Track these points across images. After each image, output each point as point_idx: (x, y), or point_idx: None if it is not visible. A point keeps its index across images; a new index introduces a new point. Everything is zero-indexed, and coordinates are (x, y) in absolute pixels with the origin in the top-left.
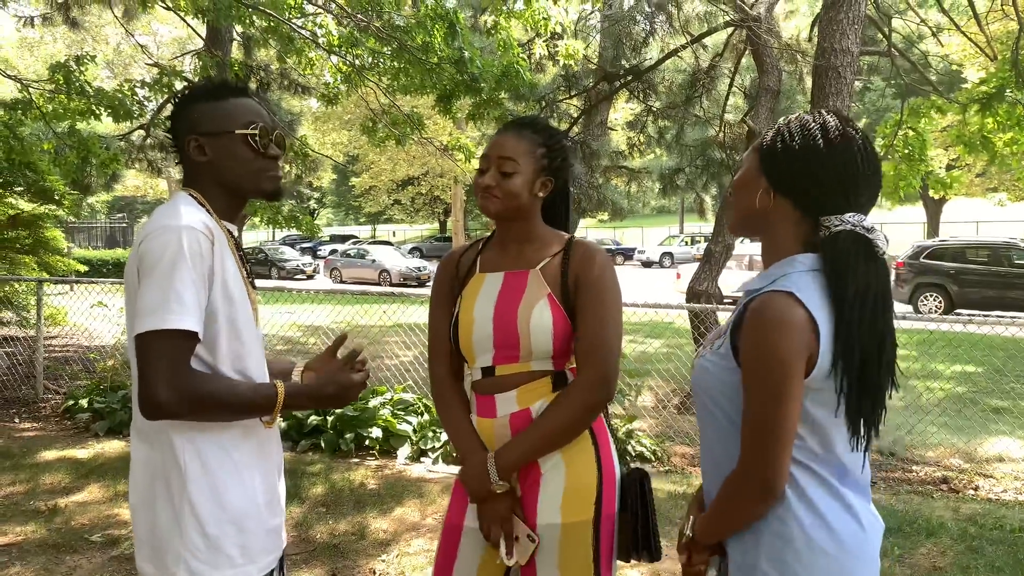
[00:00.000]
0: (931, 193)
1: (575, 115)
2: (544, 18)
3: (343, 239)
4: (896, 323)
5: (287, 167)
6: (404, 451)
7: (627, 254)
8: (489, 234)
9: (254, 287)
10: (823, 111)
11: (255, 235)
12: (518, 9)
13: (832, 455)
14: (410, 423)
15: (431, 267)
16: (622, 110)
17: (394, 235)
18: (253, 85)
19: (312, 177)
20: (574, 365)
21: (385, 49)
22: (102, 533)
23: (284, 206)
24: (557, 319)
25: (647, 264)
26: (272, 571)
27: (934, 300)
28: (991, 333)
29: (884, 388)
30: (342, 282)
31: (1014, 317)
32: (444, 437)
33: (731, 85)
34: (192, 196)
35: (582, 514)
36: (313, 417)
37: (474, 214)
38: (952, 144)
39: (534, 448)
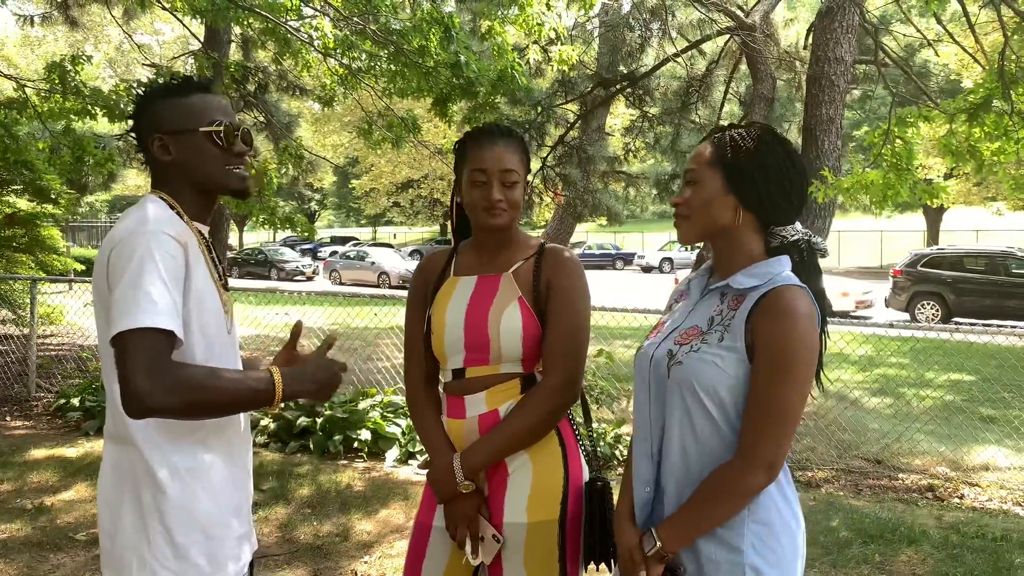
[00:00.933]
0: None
1: (572, 120)
2: (538, 23)
3: (343, 241)
4: (888, 331)
5: (284, 168)
6: (392, 453)
7: (627, 259)
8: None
9: (226, 288)
10: (757, 124)
11: (255, 236)
12: (513, 14)
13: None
14: (399, 425)
15: None
16: (620, 116)
17: (394, 237)
18: (252, 87)
19: (312, 179)
20: (541, 368)
21: (381, 52)
22: (87, 532)
23: (285, 207)
24: (527, 322)
25: (647, 269)
26: None
27: (931, 309)
28: (988, 342)
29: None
30: (341, 284)
31: (1013, 326)
32: None
33: (726, 92)
34: (162, 199)
35: (548, 514)
36: (302, 419)
37: None
38: (940, 154)
39: (499, 448)
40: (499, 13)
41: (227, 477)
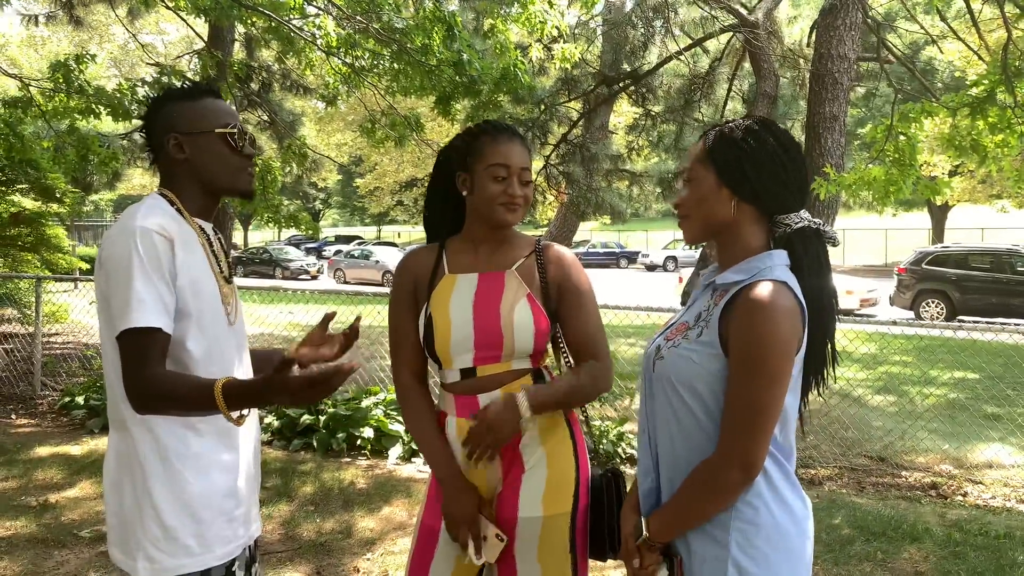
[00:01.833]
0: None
1: (575, 118)
2: (541, 21)
3: (348, 240)
4: (893, 329)
5: (288, 167)
6: (395, 451)
7: (631, 257)
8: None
9: (228, 282)
10: (749, 116)
11: (260, 235)
12: (515, 13)
13: (787, 439)
14: (402, 423)
15: None
16: (624, 114)
17: (399, 236)
18: (256, 86)
19: (317, 177)
20: (547, 363)
21: (384, 51)
22: (91, 529)
23: (289, 205)
24: (538, 318)
25: (651, 268)
26: (234, 560)
27: (936, 307)
28: (993, 340)
29: (826, 365)
30: (346, 282)
31: (1018, 324)
32: None
33: (729, 89)
34: (163, 196)
35: (561, 507)
36: (306, 416)
37: None
38: (943, 148)
39: (562, 395)
40: (502, 11)
41: (218, 460)
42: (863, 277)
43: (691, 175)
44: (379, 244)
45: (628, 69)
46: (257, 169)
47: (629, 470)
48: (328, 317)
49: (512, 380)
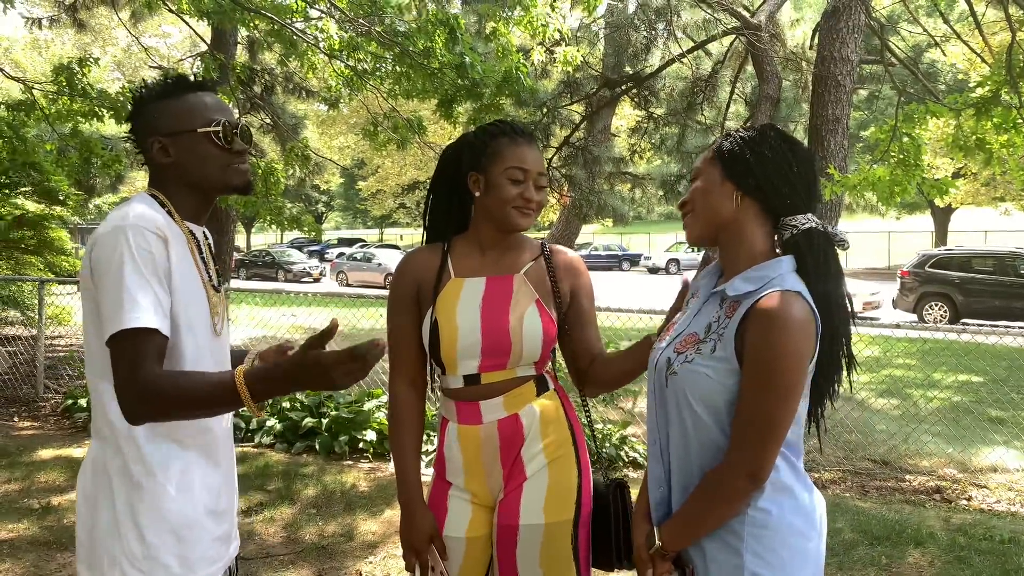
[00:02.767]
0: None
1: (577, 121)
2: (543, 24)
3: (350, 242)
4: (896, 332)
5: (291, 169)
6: None
7: (633, 260)
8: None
9: (217, 290)
10: (771, 124)
11: (263, 238)
12: (517, 16)
13: (798, 440)
14: None
15: None
16: (626, 117)
17: (401, 239)
18: (258, 89)
19: (319, 180)
20: (549, 369)
21: (387, 54)
22: None
23: (292, 208)
24: (546, 324)
25: (653, 271)
26: None
27: (939, 310)
28: (997, 343)
29: (842, 370)
30: (348, 285)
31: (1022, 327)
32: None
33: (732, 92)
34: (153, 197)
35: (563, 514)
36: (308, 419)
37: None
38: (948, 149)
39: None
40: (504, 14)
41: (203, 478)
42: (866, 280)
43: (697, 174)
44: (381, 247)
45: (630, 72)
46: (260, 171)
47: (632, 474)
48: (334, 327)
49: (515, 387)
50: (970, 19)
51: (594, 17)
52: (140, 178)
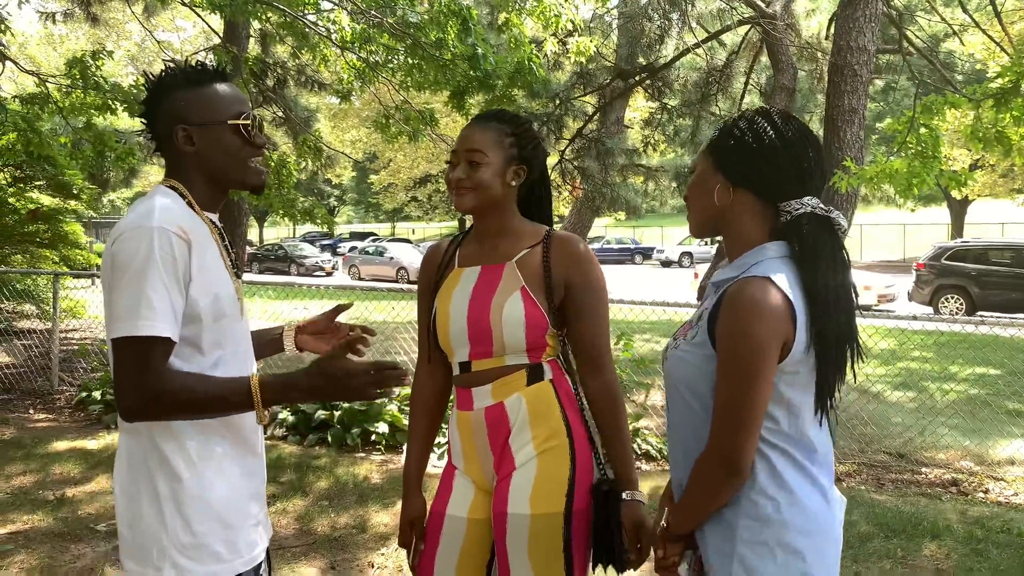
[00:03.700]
0: (954, 193)
1: (590, 112)
2: (556, 15)
3: (363, 236)
4: (912, 324)
5: (303, 162)
6: None
7: (646, 253)
8: (469, 228)
9: (239, 277)
10: (763, 109)
11: (275, 232)
12: (530, 6)
13: (804, 435)
14: None
15: None
16: (639, 109)
17: (413, 232)
18: (271, 82)
19: (331, 174)
20: (552, 357)
21: (399, 46)
22: (107, 523)
23: (304, 201)
24: (529, 312)
25: (666, 264)
26: (260, 563)
27: (955, 302)
28: (1015, 336)
29: (847, 360)
30: (360, 279)
31: None
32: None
33: (747, 83)
34: (173, 189)
35: (552, 507)
36: (320, 411)
37: None
38: (967, 141)
39: (628, 449)
40: (516, 5)
41: (241, 464)
42: (881, 272)
43: (695, 166)
44: (394, 241)
45: (644, 63)
46: (272, 164)
47: (644, 466)
48: (341, 308)
49: (505, 375)
50: (989, 8)
51: (607, 7)
52: (154, 172)
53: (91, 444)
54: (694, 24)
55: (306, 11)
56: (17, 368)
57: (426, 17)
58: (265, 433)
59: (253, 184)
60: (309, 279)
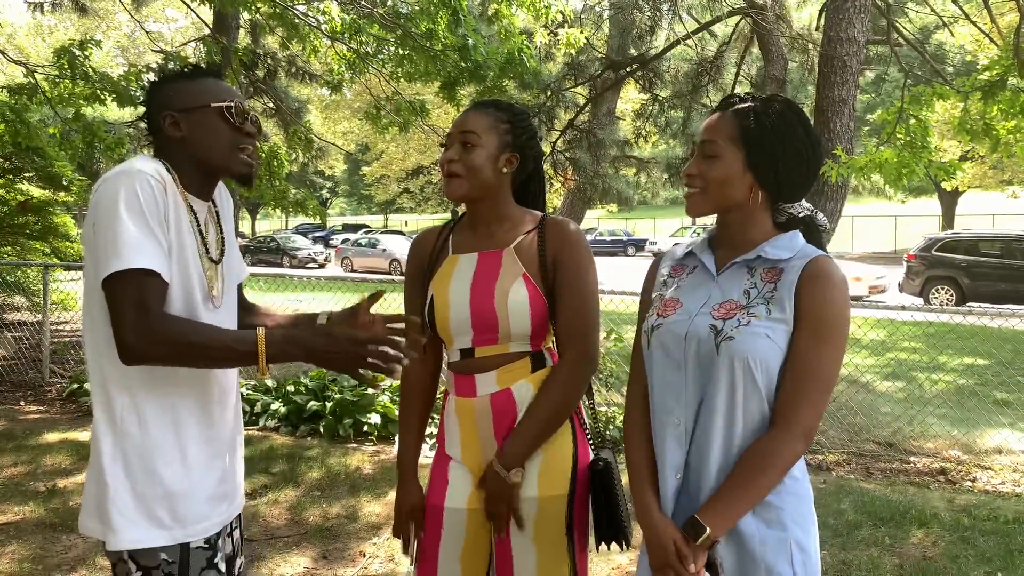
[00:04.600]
0: (944, 185)
1: (582, 104)
2: (546, 6)
3: (355, 228)
4: (902, 315)
5: (294, 153)
6: None
7: (638, 245)
8: (460, 215)
9: (215, 262)
10: (778, 98)
11: (268, 224)
12: None
13: None
14: None
15: None
16: (631, 100)
17: (406, 224)
18: (261, 73)
19: (323, 165)
20: (550, 345)
21: (389, 36)
22: None
23: (297, 193)
24: (533, 298)
25: (658, 255)
26: (211, 538)
27: (945, 293)
28: (1003, 326)
29: None
30: (353, 271)
31: None
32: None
33: (737, 74)
34: (160, 161)
35: (557, 489)
36: (312, 403)
37: None
38: (955, 133)
39: (537, 436)
40: None
41: (199, 434)
42: (872, 264)
43: (716, 151)
44: (386, 232)
45: (635, 53)
46: (263, 156)
47: None
48: (377, 296)
49: (510, 362)
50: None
51: None
52: None
53: (82, 436)
54: (684, 15)
55: (296, 2)
56: (8, 360)
57: (416, 8)
58: (257, 424)
59: (239, 172)
60: (302, 271)
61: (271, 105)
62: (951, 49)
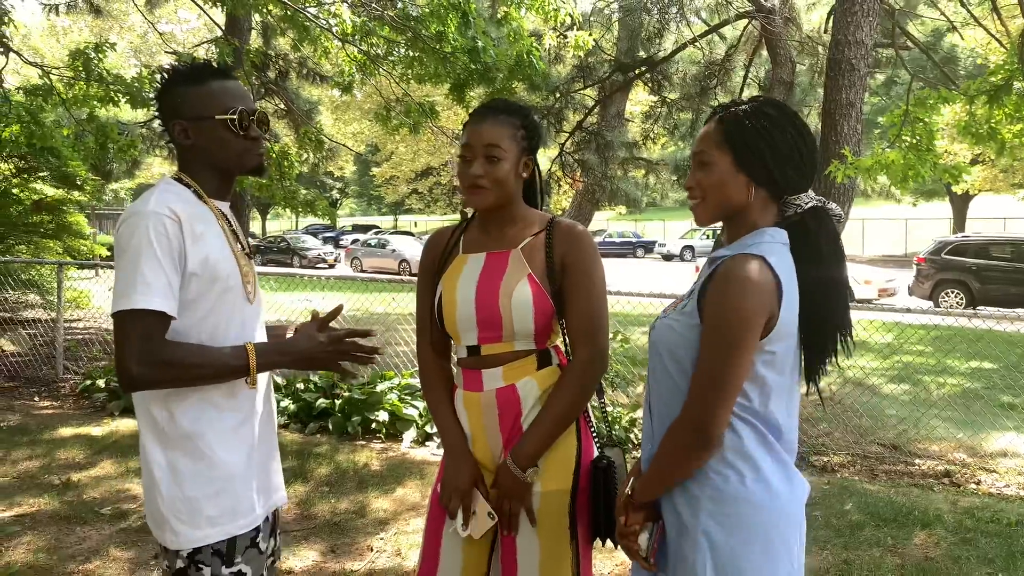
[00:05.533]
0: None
1: (590, 106)
2: (555, 8)
3: (365, 229)
4: (910, 318)
5: (305, 154)
6: (410, 435)
7: (647, 247)
8: (471, 216)
9: (250, 257)
10: (760, 98)
11: (278, 224)
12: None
13: (772, 415)
14: (416, 407)
15: None
16: (640, 103)
17: (415, 225)
18: (273, 74)
19: (333, 166)
20: (556, 343)
21: (399, 38)
22: (112, 506)
23: (307, 193)
24: (537, 299)
25: (667, 257)
26: (258, 528)
27: (955, 297)
28: (1010, 330)
29: (835, 349)
30: (362, 271)
31: None
32: None
33: (746, 76)
34: (179, 180)
35: (560, 483)
36: (321, 400)
37: None
38: (960, 136)
39: (549, 433)
40: None
41: (236, 431)
42: (882, 267)
43: (706, 158)
44: (396, 233)
45: (644, 56)
46: (274, 156)
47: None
48: (338, 310)
49: (514, 360)
50: (988, 2)
51: (607, 1)
52: (156, 164)
53: (95, 431)
54: (693, 18)
55: (307, 4)
56: (22, 356)
57: (426, 10)
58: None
59: (252, 166)
60: (312, 271)
61: (282, 106)
62: (962, 53)
